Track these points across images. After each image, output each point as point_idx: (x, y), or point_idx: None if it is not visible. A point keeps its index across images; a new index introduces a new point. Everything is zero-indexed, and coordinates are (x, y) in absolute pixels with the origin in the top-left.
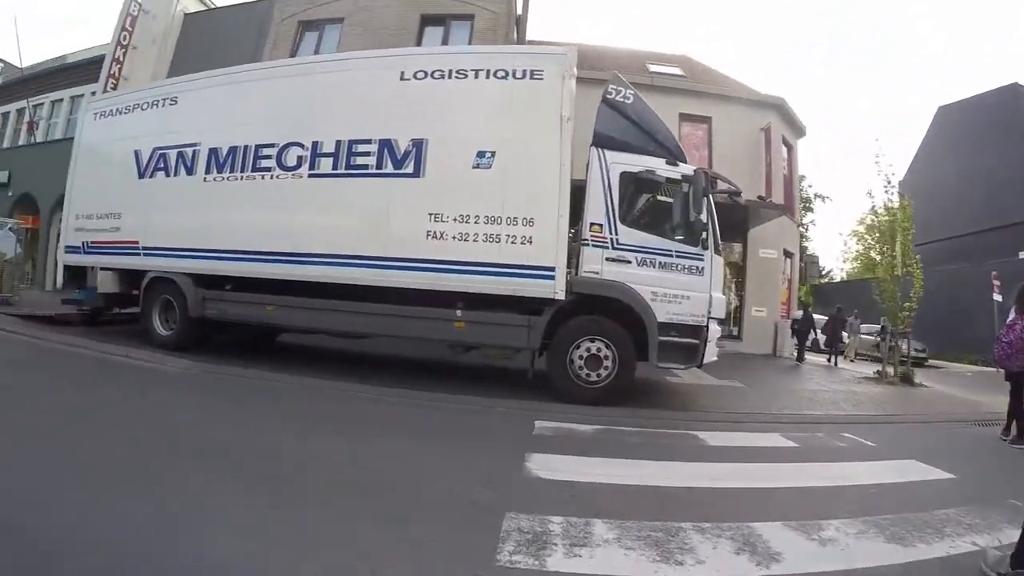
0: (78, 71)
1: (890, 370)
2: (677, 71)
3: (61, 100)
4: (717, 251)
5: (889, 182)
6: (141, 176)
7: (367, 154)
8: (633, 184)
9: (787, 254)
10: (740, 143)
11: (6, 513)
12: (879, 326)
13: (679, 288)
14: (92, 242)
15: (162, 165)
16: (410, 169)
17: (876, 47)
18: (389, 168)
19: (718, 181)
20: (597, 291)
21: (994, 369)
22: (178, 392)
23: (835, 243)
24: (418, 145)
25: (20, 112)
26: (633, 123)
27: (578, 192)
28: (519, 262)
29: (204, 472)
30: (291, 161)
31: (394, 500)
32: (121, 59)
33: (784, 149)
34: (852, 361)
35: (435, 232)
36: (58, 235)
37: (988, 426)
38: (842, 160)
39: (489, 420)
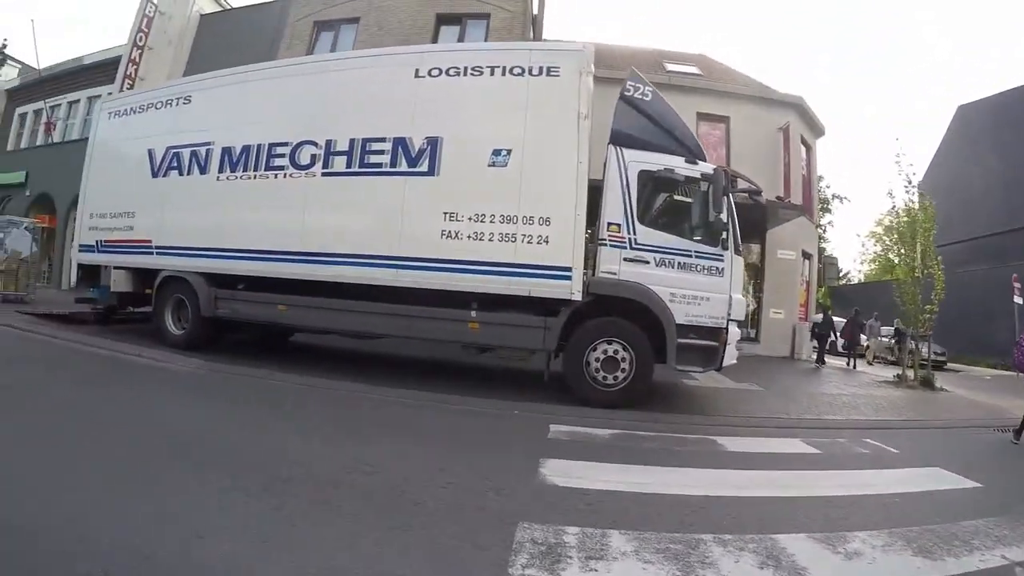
0: (95, 72)
1: (910, 374)
2: (694, 70)
3: (78, 101)
4: (737, 251)
5: (910, 182)
6: (155, 175)
7: (381, 152)
8: (652, 183)
9: (805, 255)
10: (758, 143)
11: (4, 513)
12: (893, 328)
13: (698, 289)
14: (105, 241)
15: (175, 164)
16: (425, 167)
17: (883, 52)
18: (403, 167)
19: (738, 180)
20: (615, 292)
21: (1014, 373)
22: (186, 392)
23: (852, 244)
24: (433, 143)
25: (37, 113)
26: (652, 120)
27: (595, 192)
28: (535, 262)
29: (206, 474)
30: (304, 160)
31: (401, 507)
32: (137, 60)
33: (803, 149)
34: (871, 364)
35: (450, 231)
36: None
37: (1009, 432)
38: (852, 162)
39: (502, 423)
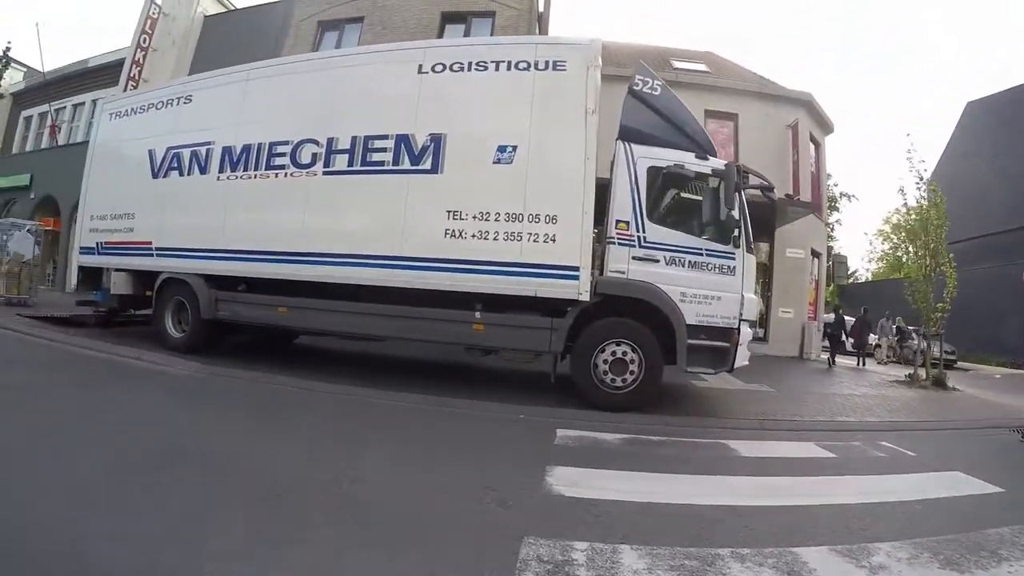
0: (99, 74)
1: (921, 373)
2: (702, 67)
3: (83, 103)
4: (749, 249)
5: (921, 178)
6: (155, 176)
7: (383, 150)
8: (661, 179)
9: (814, 254)
10: (767, 140)
11: None
12: (894, 327)
13: (710, 288)
14: (106, 243)
15: (176, 164)
16: (428, 165)
17: (888, 50)
18: (406, 164)
19: (750, 176)
20: (623, 292)
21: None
22: (181, 396)
23: (860, 243)
24: (436, 140)
25: (43, 116)
26: (661, 115)
27: (602, 190)
28: (542, 261)
29: (196, 483)
30: (305, 158)
31: (398, 521)
32: (141, 61)
33: (811, 146)
34: (884, 364)
35: (454, 230)
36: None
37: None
38: (859, 161)
39: (508, 428)
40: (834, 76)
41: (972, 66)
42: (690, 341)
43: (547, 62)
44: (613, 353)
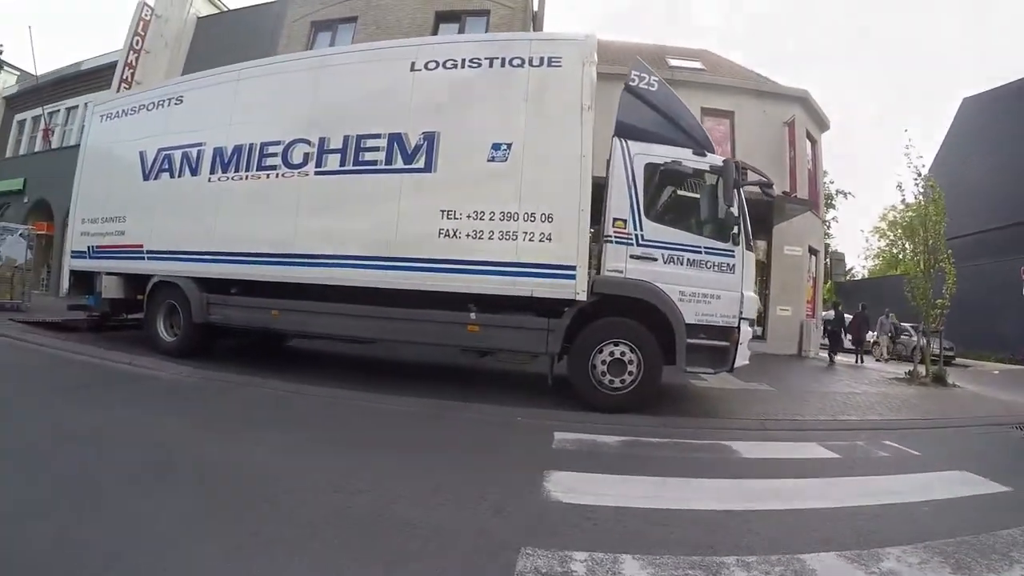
0: (92, 77)
1: (921, 370)
2: (698, 65)
3: (76, 107)
4: (749, 247)
5: (919, 174)
6: (146, 178)
7: (376, 149)
8: (659, 176)
9: (812, 251)
10: (763, 137)
11: None
12: (888, 323)
13: (709, 287)
14: (97, 247)
15: (167, 166)
16: (421, 164)
17: (883, 49)
18: (399, 163)
19: (749, 172)
20: (621, 291)
21: (1023, 367)
22: (170, 401)
23: (855, 240)
24: (429, 139)
25: (36, 119)
26: (658, 111)
27: (599, 189)
28: (538, 261)
29: (177, 493)
30: (297, 159)
31: (391, 531)
32: (133, 64)
33: (808, 143)
34: (885, 361)
35: (448, 230)
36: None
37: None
38: (853, 158)
39: (504, 432)
40: (827, 73)
41: (968, 62)
42: (689, 340)
43: (542, 58)
44: (611, 354)
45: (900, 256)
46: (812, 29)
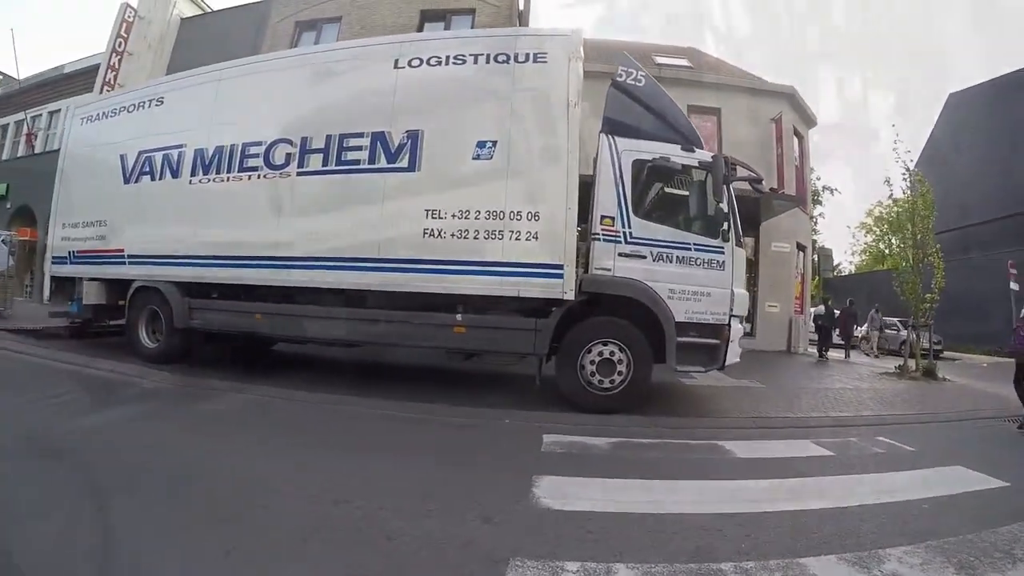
0: (75, 80)
1: (911, 364)
2: (684, 62)
3: (59, 110)
4: (738, 243)
5: (908, 168)
6: (127, 181)
7: (359, 148)
8: (647, 172)
9: (800, 247)
10: (750, 134)
11: None
12: (878, 317)
13: (698, 284)
14: (78, 251)
15: (147, 169)
16: (405, 163)
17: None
18: (383, 163)
19: (738, 168)
20: (609, 290)
21: (1011, 360)
22: (150, 408)
23: (843, 236)
24: (413, 137)
25: (19, 124)
26: (645, 107)
27: (586, 187)
28: (524, 260)
29: (150, 504)
30: (279, 159)
31: (375, 543)
32: (116, 66)
33: (795, 140)
34: (875, 356)
35: (433, 230)
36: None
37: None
38: (838, 155)
39: (492, 436)
40: (812, 70)
41: (954, 57)
42: (679, 339)
43: (527, 54)
44: (600, 353)
45: (887, 251)
46: (799, 22)
